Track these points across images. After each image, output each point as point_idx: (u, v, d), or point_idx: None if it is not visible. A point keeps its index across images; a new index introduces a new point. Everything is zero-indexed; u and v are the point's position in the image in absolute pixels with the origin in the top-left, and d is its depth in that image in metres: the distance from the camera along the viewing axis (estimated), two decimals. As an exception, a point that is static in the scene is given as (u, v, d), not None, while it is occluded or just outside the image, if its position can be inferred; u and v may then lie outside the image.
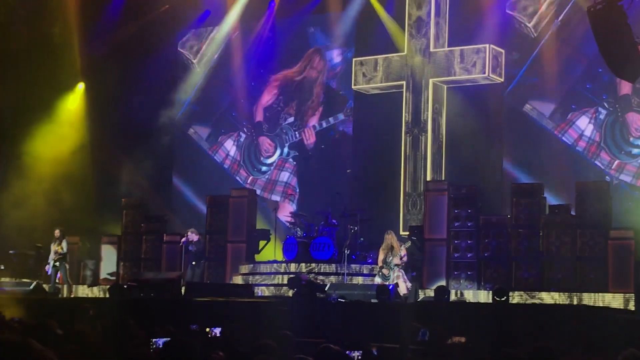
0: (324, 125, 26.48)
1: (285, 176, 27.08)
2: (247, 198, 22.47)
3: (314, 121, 26.67)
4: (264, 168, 27.49)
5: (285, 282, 19.53)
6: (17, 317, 12.25)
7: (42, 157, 25.32)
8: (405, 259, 18.50)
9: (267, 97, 27.88)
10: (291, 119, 27.20)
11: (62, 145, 24.96)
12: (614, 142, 21.48)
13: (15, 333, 8.32)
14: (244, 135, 28.09)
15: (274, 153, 27.34)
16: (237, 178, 27.54)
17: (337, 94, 26.32)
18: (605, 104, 21.76)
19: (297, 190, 26.64)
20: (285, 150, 27.19)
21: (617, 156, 21.41)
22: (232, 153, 27.97)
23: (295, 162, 26.87)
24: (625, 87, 21.51)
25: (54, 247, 21.01)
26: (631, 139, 21.41)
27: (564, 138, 21.93)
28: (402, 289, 18.09)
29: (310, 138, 26.82)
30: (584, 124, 21.89)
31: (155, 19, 26.47)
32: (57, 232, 21.11)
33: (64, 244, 21.02)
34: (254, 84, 27.69)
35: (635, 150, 21.33)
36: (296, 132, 27.15)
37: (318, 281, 18.75)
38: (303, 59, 27.00)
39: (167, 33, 27.00)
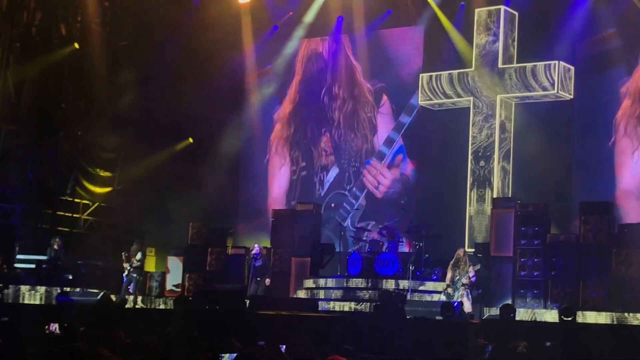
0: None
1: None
2: (312, 212, 22.49)
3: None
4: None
5: (348, 297, 19.57)
6: (84, 327, 12.40)
7: (111, 169, 25.73)
8: (474, 279, 18.34)
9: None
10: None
11: (128, 155, 25.38)
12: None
13: (84, 342, 8.42)
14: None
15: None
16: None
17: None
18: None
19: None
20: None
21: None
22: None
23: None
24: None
25: (131, 258, 21.31)
26: None
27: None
28: (467, 307, 17.94)
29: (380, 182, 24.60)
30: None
31: (222, 35, 26.65)
32: (134, 244, 21.42)
33: (139, 255, 21.30)
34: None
35: None
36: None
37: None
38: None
39: (234, 48, 27.10)
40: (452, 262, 18.56)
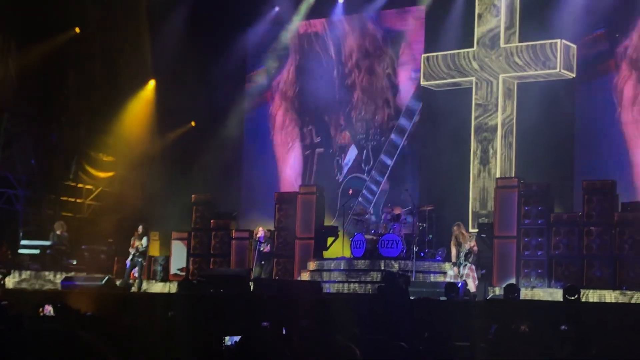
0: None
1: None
2: (316, 195, 22.43)
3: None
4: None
5: (352, 279, 19.58)
6: (89, 311, 12.42)
7: (114, 153, 25.71)
8: (475, 248, 18.36)
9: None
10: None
11: (131, 140, 25.33)
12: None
13: (86, 327, 8.43)
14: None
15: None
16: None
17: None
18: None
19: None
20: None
21: None
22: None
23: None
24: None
25: (135, 243, 21.27)
26: None
27: None
28: (472, 287, 17.94)
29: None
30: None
31: (224, 16, 26.54)
32: (140, 228, 21.36)
33: (144, 240, 21.27)
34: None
35: None
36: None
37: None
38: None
39: (236, 29, 27.01)
40: (452, 239, 18.58)
